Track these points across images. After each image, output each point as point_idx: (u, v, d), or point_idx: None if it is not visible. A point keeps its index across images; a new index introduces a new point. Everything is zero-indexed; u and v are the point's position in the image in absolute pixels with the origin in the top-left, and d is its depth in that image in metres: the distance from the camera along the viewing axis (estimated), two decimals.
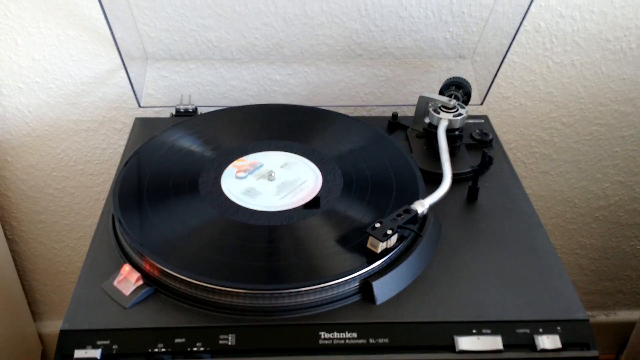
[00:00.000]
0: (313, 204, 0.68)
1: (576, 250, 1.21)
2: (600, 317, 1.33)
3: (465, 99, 0.85)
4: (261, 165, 0.74)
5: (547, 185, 1.10)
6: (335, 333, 0.57)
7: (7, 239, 1.10)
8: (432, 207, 0.66)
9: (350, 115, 0.86)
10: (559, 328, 0.57)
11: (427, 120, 0.81)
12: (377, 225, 0.61)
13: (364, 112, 0.99)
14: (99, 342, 0.56)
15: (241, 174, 0.73)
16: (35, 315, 1.24)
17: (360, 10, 0.87)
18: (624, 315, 1.33)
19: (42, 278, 1.18)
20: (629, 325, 1.20)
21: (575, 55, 0.95)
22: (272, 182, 0.72)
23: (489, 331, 0.57)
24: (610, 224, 1.17)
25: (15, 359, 1.12)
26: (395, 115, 0.87)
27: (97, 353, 0.55)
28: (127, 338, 0.56)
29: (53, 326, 1.26)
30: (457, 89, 0.85)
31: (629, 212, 1.15)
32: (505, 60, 0.86)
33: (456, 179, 0.74)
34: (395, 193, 0.70)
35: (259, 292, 0.58)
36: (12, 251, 1.12)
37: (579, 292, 1.28)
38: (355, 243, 0.63)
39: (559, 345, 0.56)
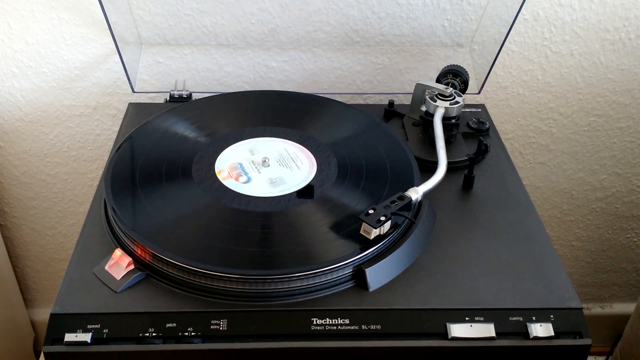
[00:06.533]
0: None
1: (572, 242, 1.21)
2: (595, 309, 1.33)
3: (463, 87, 0.84)
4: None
5: (544, 176, 1.10)
6: (328, 319, 0.57)
7: None
8: (427, 195, 0.66)
9: (347, 102, 0.85)
10: (552, 316, 0.57)
11: (423, 108, 0.81)
12: (371, 211, 0.61)
13: (360, 100, 0.99)
14: (89, 326, 0.56)
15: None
16: (27, 302, 1.23)
17: None
18: (619, 307, 1.33)
19: (35, 265, 1.18)
20: (625, 318, 1.20)
21: (574, 45, 0.94)
22: (267, 169, 0.71)
23: (482, 319, 0.57)
24: (607, 216, 1.16)
25: (6, 346, 1.12)
26: (391, 103, 0.87)
27: (87, 337, 0.55)
28: (117, 322, 0.56)
29: (45, 313, 1.25)
30: (455, 77, 0.84)
31: (626, 204, 1.15)
32: (503, 49, 0.85)
33: (452, 168, 0.74)
34: (390, 181, 0.70)
35: (251, 277, 0.57)
36: (4, 237, 1.12)
37: (575, 284, 1.28)
38: (349, 230, 0.62)
39: (551, 333, 0.56)
